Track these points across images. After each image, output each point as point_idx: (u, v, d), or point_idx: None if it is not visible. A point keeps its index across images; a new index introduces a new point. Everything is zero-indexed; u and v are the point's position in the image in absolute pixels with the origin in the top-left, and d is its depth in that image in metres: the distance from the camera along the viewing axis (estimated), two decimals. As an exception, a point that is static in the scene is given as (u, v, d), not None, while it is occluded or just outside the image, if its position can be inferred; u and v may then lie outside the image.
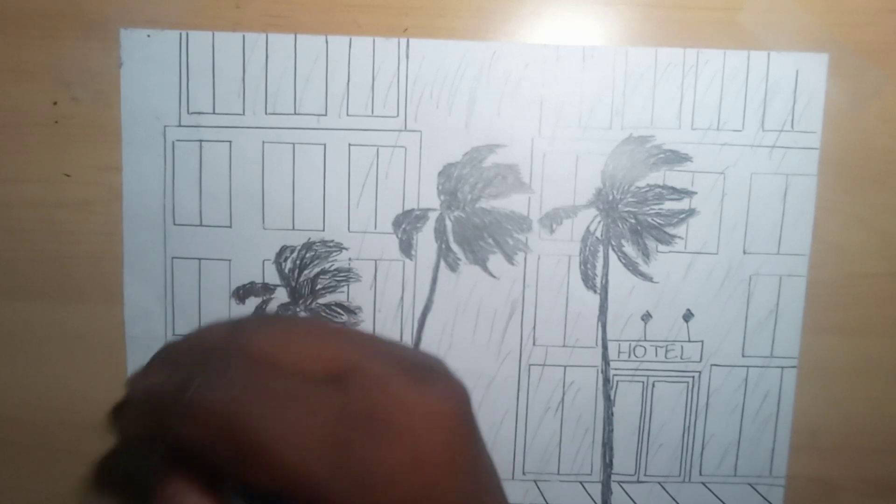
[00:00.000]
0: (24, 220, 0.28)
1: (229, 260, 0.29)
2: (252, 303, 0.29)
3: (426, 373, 0.20)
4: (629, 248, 0.29)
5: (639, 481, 0.30)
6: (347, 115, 0.28)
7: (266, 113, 0.28)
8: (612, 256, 0.29)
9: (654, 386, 0.30)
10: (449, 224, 0.29)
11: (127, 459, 0.29)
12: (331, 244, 0.29)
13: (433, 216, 0.29)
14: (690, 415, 0.30)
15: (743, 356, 0.29)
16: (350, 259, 0.29)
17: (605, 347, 0.29)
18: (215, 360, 0.20)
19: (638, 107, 0.28)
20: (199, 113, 0.28)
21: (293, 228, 0.29)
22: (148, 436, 0.21)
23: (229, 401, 0.19)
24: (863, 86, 0.28)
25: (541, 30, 0.28)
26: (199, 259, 0.29)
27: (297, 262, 0.29)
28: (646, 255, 0.29)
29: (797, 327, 0.29)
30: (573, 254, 0.29)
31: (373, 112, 0.28)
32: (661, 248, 0.29)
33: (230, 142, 0.28)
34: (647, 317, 0.29)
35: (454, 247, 0.29)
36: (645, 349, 0.30)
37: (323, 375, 0.20)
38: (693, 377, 0.30)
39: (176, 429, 0.19)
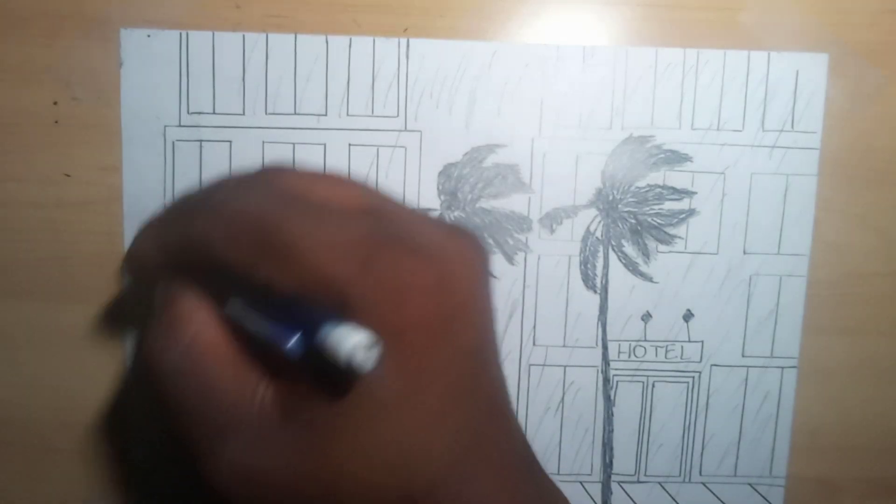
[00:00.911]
0: (24, 220, 0.28)
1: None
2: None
3: (450, 224, 0.20)
4: (629, 248, 0.29)
5: (639, 481, 0.30)
6: (347, 115, 0.28)
7: (266, 113, 0.28)
8: (612, 256, 0.29)
9: (654, 386, 0.30)
10: (449, 224, 0.29)
11: (135, 299, 0.29)
12: (331, 244, 0.29)
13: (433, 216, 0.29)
14: (690, 415, 0.30)
15: (743, 356, 0.29)
16: (350, 259, 0.29)
17: (605, 347, 0.29)
18: (242, 183, 0.20)
19: (638, 107, 0.28)
20: (199, 113, 0.28)
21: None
22: (163, 259, 0.20)
23: (259, 203, 0.19)
24: (863, 86, 0.28)
25: (541, 30, 0.28)
26: (199, 259, 0.29)
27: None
28: (646, 255, 0.29)
29: (797, 327, 0.29)
30: (573, 254, 0.29)
31: (373, 112, 0.28)
32: (661, 248, 0.29)
33: (230, 142, 0.28)
34: (647, 317, 0.29)
35: (454, 247, 0.29)
36: (645, 349, 0.30)
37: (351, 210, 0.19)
38: (693, 377, 0.30)
39: (200, 228, 0.19)
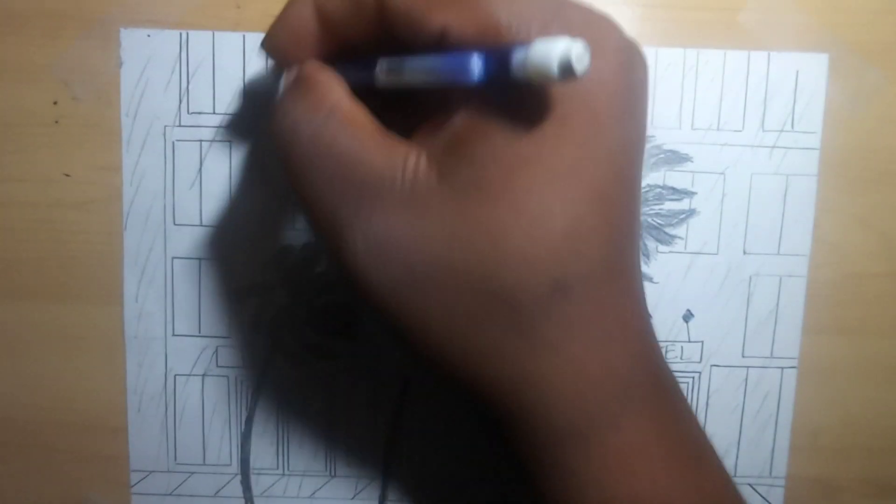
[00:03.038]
0: (24, 220, 0.28)
1: (229, 260, 0.29)
2: (252, 303, 0.29)
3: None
4: (629, 249, 0.29)
5: (639, 481, 0.30)
6: (347, 115, 0.28)
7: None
8: (612, 256, 0.29)
9: (654, 386, 0.30)
10: (449, 224, 0.29)
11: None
12: (331, 244, 0.29)
13: (433, 216, 0.29)
14: (690, 415, 0.30)
15: (743, 356, 0.29)
16: (350, 259, 0.29)
17: (605, 347, 0.29)
18: None
19: (638, 107, 0.28)
20: (199, 113, 0.28)
21: (294, 228, 0.29)
22: (320, 23, 0.19)
23: None
24: (863, 86, 0.28)
25: (541, 30, 0.28)
26: (199, 259, 0.29)
27: (298, 261, 0.29)
28: (646, 255, 0.29)
29: (797, 327, 0.29)
30: (573, 254, 0.29)
31: (373, 112, 0.28)
32: (662, 248, 0.29)
33: (230, 142, 0.28)
34: (647, 317, 0.29)
35: (454, 247, 0.29)
36: (645, 349, 0.29)
37: None
38: (693, 377, 0.30)
39: None
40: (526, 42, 0.15)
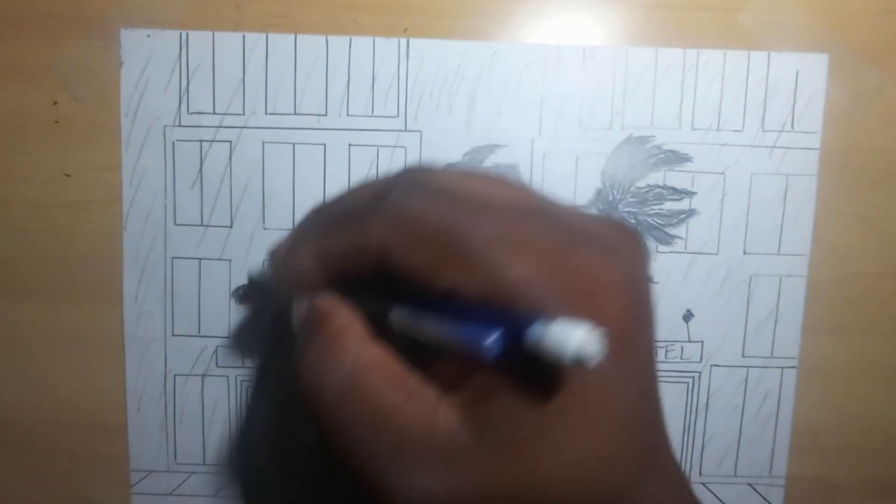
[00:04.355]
0: (24, 220, 0.28)
1: (229, 260, 0.29)
2: (252, 303, 0.29)
3: (611, 219, 0.20)
4: (629, 249, 0.29)
5: (639, 481, 0.30)
6: (347, 115, 0.28)
7: (266, 113, 0.28)
8: (612, 256, 0.29)
9: (654, 386, 0.30)
10: (449, 224, 0.29)
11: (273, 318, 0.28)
12: (331, 244, 0.29)
13: (433, 216, 0.29)
14: (690, 415, 0.30)
15: (743, 356, 0.29)
16: (350, 259, 0.29)
17: (605, 347, 0.29)
18: (406, 182, 0.18)
19: (638, 107, 0.28)
20: (199, 113, 0.28)
21: (293, 228, 0.29)
22: (324, 270, 0.19)
23: (432, 206, 0.17)
24: (863, 86, 0.28)
25: (541, 30, 0.28)
26: (199, 259, 0.29)
27: (297, 262, 0.29)
28: (646, 255, 0.29)
29: (797, 327, 0.29)
30: (573, 254, 0.29)
31: (373, 112, 0.28)
32: (662, 248, 0.29)
33: (230, 142, 0.28)
34: (647, 317, 0.29)
35: (454, 247, 0.29)
36: (645, 349, 0.29)
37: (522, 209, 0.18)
38: (693, 377, 0.30)
39: (377, 235, 0.18)
40: (536, 313, 0.15)
